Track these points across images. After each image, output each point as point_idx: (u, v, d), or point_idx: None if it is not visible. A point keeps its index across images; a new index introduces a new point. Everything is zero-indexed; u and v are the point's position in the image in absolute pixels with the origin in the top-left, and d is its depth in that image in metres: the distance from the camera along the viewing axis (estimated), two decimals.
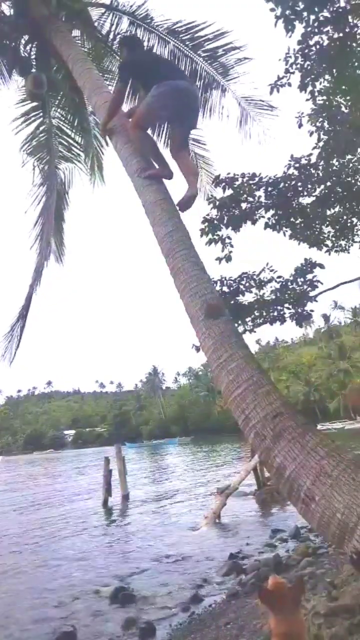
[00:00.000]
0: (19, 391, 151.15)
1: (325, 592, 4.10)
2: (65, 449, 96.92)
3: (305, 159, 5.62)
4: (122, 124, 3.87)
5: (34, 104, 6.49)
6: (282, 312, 5.44)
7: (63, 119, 6.98)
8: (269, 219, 5.69)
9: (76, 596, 6.65)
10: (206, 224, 5.47)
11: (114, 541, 10.39)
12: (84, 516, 13.70)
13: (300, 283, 5.41)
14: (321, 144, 5.61)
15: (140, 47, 4.23)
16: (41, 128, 6.83)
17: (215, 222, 5.46)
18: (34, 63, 6.11)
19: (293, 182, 5.53)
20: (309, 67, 4.87)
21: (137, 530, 11.06)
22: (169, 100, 3.45)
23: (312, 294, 5.38)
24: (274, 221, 5.70)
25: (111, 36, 6.38)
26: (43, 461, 56.90)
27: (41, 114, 6.74)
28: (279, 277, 5.47)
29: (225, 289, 5.37)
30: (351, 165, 5.75)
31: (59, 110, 6.92)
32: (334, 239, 6.07)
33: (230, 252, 5.47)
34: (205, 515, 11.08)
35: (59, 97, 6.75)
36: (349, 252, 6.16)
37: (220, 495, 11.63)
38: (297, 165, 5.58)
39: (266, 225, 5.73)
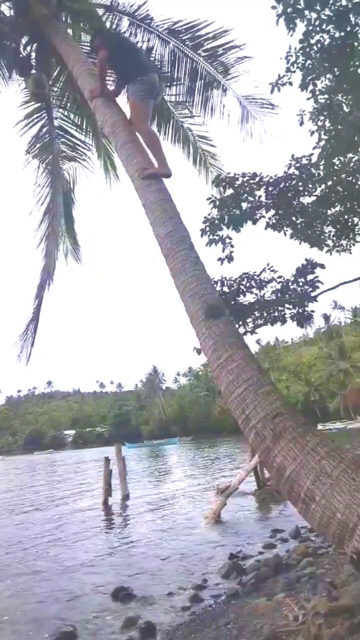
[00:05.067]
0: (19, 391, 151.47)
1: (325, 592, 4.09)
2: (65, 449, 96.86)
3: (306, 159, 5.62)
4: (123, 121, 3.89)
5: (37, 105, 6.49)
6: (282, 313, 5.42)
7: (66, 118, 6.97)
8: (269, 218, 5.68)
9: (76, 596, 6.65)
10: (207, 224, 5.47)
11: (113, 541, 10.38)
12: (84, 517, 13.68)
13: (301, 283, 5.39)
14: (322, 143, 5.60)
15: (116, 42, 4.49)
16: (45, 129, 6.82)
17: (216, 222, 5.45)
18: (34, 64, 6.10)
19: (294, 182, 5.53)
20: (310, 66, 4.87)
21: (137, 531, 11.05)
22: (150, 94, 3.95)
23: (313, 294, 5.36)
24: (274, 221, 5.69)
25: None
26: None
27: (45, 114, 6.73)
28: (280, 277, 5.45)
29: (225, 289, 5.34)
30: (352, 164, 5.74)
31: (61, 110, 6.92)
32: (335, 238, 6.06)
33: (232, 252, 5.46)
34: (205, 515, 11.10)
35: (62, 97, 6.74)
36: (350, 252, 6.16)
37: (220, 495, 11.64)
38: (297, 164, 5.58)
39: (267, 225, 5.72)
